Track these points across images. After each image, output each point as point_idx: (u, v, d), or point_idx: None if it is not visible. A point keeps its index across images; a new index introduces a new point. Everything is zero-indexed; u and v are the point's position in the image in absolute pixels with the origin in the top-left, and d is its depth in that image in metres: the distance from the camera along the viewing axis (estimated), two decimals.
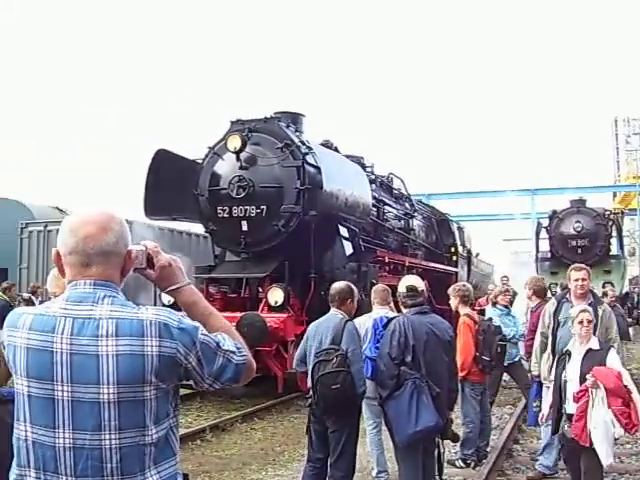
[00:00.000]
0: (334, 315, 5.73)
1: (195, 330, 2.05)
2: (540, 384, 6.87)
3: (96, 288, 2.03)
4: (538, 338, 6.90)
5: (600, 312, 6.41)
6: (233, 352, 2.11)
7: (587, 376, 5.23)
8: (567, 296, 6.72)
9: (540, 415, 6.07)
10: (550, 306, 6.89)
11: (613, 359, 5.45)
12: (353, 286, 6.00)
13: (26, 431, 2.00)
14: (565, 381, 5.46)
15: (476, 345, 7.22)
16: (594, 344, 5.51)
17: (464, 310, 7.46)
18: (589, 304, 6.27)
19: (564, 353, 5.60)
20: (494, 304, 9.89)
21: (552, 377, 5.82)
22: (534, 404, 7.01)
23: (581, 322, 5.48)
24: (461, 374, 7.18)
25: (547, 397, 5.98)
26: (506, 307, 9.84)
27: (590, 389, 5.20)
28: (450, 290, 7.72)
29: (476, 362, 7.22)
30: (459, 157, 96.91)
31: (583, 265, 6.89)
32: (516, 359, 9.40)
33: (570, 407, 5.39)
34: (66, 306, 2.01)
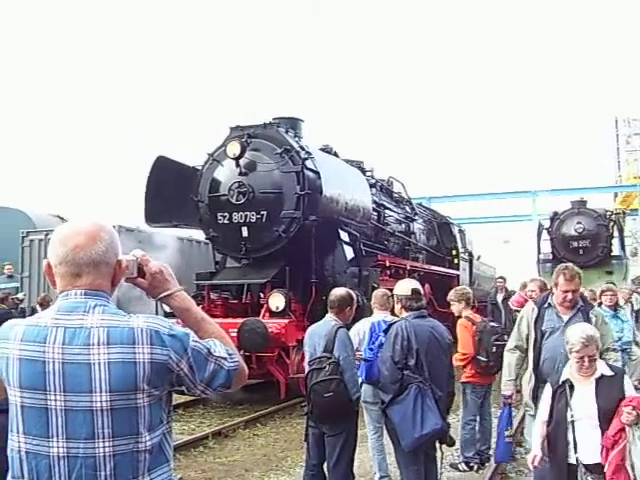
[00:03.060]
0: (328, 322, 5.71)
1: (186, 337, 2.07)
2: (511, 408, 5.99)
3: (87, 298, 2.04)
4: (514, 352, 5.71)
5: (593, 319, 5.29)
6: (224, 358, 2.13)
7: (625, 409, 4.09)
8: (549, 300, 5.49)
9: (531, 457, 4.60)
10: (528, 312, 5.59)
11: (630, 386, 4.41)
12: (353, 293, 5.97)
13: (19, 442, 2.00)
14: (572, 421, 4.26)
15: (474, 346, 7.18)
16: (604, 369, 4.37)
17: (466, 312, 7.47)
18: (579, 309, 5.34)
19: (563, 384, 4.40)
20: (599, 304, 8.69)
21: (543, 407, 4.68)
22: (505, 433, 5.91)
23: (581, 360, 4.27)
24: (465, 376, 7.20)
25: (535, 431, 4.71)
26: (612, 308, 8.92)
27: (628, 427, 4.08)
28: (452, 294, 7.70)
29: (475, 364, 7.18)
30: (459, 160, 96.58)
31: (576, 269, 5.41)
32: None
33: (585, 456, 4.22)
34: (57, 316, 2.02)
